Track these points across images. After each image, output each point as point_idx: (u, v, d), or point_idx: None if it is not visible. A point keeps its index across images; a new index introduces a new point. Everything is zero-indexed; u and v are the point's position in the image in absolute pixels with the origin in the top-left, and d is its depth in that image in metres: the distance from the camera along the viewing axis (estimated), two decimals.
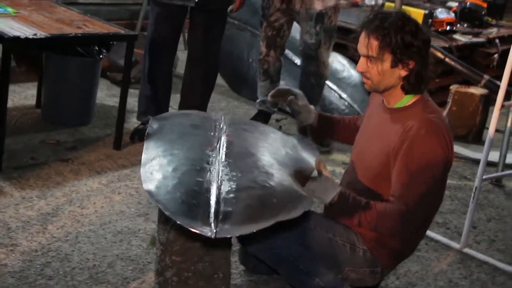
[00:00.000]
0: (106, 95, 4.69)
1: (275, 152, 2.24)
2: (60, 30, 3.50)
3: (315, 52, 4.26)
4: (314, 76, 4.33)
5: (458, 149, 4.69)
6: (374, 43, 2.26)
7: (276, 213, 1.86)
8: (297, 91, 2.69)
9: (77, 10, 4.08)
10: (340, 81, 4.86)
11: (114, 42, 4.20)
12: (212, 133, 2.22)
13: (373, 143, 2.44)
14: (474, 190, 3.31)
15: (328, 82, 4.72)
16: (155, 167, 1.93)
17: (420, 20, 5.41)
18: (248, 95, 5.05)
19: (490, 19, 6.53)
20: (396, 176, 2.29)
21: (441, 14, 5.99)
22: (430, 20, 5.67)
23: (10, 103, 3.66)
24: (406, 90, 2.34)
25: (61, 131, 3.95)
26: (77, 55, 3.97)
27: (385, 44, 2.24)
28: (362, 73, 2.38)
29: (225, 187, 1.85)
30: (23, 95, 4.40)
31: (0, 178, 3.29)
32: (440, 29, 5.82)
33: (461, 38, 5.82)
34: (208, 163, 1.96)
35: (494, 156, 3.95)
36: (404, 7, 4.98)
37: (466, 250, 3.33)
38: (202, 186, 1.84)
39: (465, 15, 6.24)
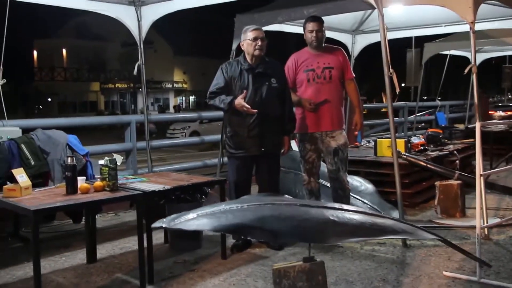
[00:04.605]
0: None
1: None
2: (178, 183, 3.77)
3: (337, 175, 4.46)
4: (340, 190, 4.48)
5: (452, 222, 4.74)
6: None
7: None
8: None
9: (184, 173, 4.37)
10: (360, 193, 5.00)
11: (209, 190, 4.42)
12: None
13: None
14: (477, 237, 3.35)
15: (353, 194, 4.86)
16: None
17: (402, 145, 5.62)
18: None
19: (446, 140, 6.79)
20: None
21: (415, 140, 6.21)
22: (409, 144, 5.78)
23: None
24: None
25: (185, 254, 4.05)
26: (186, 202, 4.18)
27: None
28: None
29: None
30: (155, 237, 4.48)
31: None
32: (416, 150, 5.97)
33: (432, 153, 5.98)
34: None
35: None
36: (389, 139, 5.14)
37: (483, 280, 3.33)
38: None
39: (430, 139, 6.50)
